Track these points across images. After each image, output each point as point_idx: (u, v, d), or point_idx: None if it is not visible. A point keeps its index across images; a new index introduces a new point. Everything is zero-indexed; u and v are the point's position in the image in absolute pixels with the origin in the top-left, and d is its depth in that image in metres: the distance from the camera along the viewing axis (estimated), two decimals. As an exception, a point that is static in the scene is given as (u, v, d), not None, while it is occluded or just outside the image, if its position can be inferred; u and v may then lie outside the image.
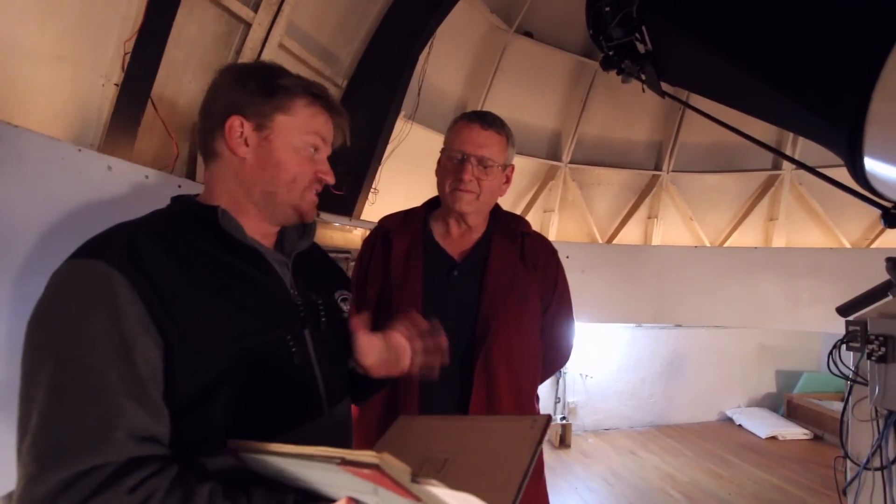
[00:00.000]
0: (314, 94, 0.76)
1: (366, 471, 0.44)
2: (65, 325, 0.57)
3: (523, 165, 3.79)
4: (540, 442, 0.66)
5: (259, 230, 0.76)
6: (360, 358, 0.85)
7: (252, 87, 0.73)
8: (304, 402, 0.74)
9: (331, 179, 0.80)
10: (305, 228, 0.84)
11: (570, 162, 3.89)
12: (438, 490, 0.45)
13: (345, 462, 0.45)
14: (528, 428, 0.69)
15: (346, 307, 0.88)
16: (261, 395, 0.67)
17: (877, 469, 1.28)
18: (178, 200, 0.76)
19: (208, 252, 0.69)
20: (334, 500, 0.55)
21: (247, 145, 0.73)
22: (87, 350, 0.56)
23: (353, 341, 0.85)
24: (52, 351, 0.56)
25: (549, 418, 0.70)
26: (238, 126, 0.72)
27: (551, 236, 3.98)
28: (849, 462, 1.38)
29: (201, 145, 0.77)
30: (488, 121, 1.14)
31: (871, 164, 0.86)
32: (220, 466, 0.62)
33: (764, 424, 4.56)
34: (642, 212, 4.19)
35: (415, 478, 0.44)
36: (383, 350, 0.85)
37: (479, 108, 3.27)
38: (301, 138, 0.75)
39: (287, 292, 0.76)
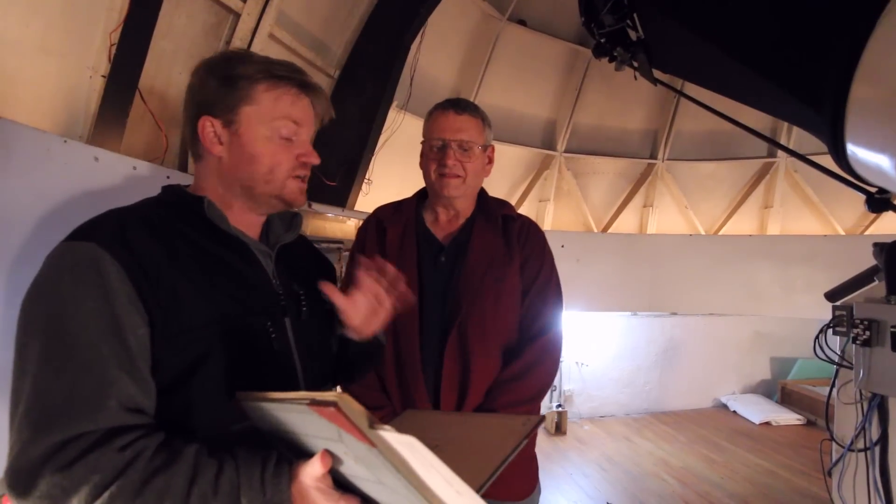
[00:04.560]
0: (277, 76, 0.74)
1: (328, 409, 0.47)
2: (58, 302, 0.59)
3: (518, 154, 3.78)
4: (527, 437, 0.69)
5: (244, 221, 0.77)
6: (349, 320, 0.84)
7: (213, 83, 0.73)
8: (281, 387, 0.75)
9: (314, 160, 0.78)
10: (292, 221, 0.85)
11: (566, 151, 3.88)
12: (388, 434, 0.48)
13: (313, 402, 0.49)
14: (520, 424, 0.73)
15: (325, 299, 0.87)
16: (239, 378, 0.69)
17: (860, 450, 1.30)
18: (168, 190, 0.77)
19: (194, 240, 0.71)
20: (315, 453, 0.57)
21: (221, 143, 0.73)
22: (80, 325, 0.58)
23: (335, 308, 0.84)
24: (45, 326, 0.59)
25: (541, 418, 0.75)
26: (209, 126, 0.72)
27: (547, 226, 3.98)
28: (834, 444, 1.41)
29: (189, 149, 0.79)
30: (461, 106, 1.18)
31: (853, 150, 0.86)
32: (205, 436, 0.64)
33: (758, 410, 4.61)
34: (637, 200, 4.19)
35: (372, 422, 0.47)
36: (364, 303, 0.85)
37: (472, 98, 3.26)
38: (270, 125, 0.73)
39: (269, 281, 0.77)
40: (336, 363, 0.93)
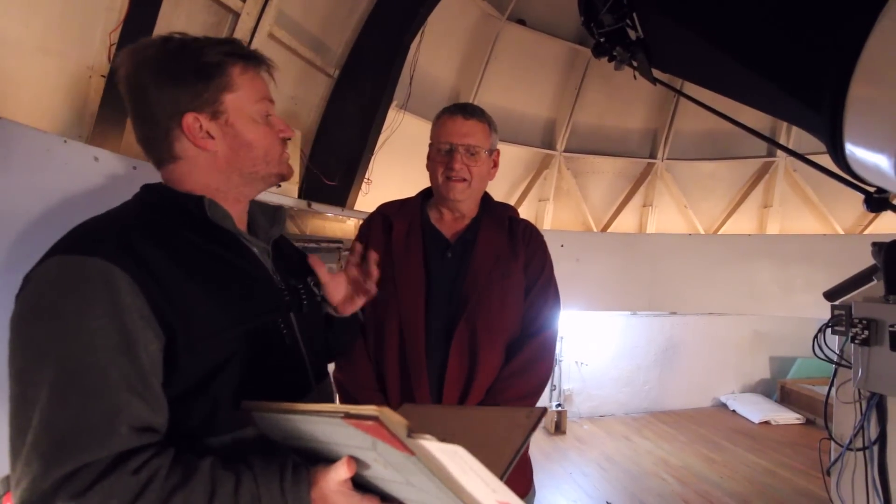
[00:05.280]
0: (241, 56, 0.72)
1: (367, 423, 0.47)
2: (62, 323, 0.56)
3: (517, 154, 3.78)
4: (533, 429, 0.70)
5: (235, 211, 0.75)
6: (331, 296, 0.93)
7: (187, 78, 0.68)
8: (295, 380, 0.77)
9: (291, 134, 0.79)
10: (275, 216, 0.85)
11: (565, 150, 3.88)
12: (430, 444, 0.47)
13: (348, 416, 0.48)
14: (524, 417, 0.73)
15: (318, 290, 0.90)
16: (258, 376, 0.70)
17: (859, 449, 1.30)
18: (151, 190, 0.73)
19: (193, 242, 0.69)
20: (335, 460, 0.57)
21: (212, 137, 0.70)
22: (87, 348, 0.56)
23: (321, 286, 0.92)
24: (50, 350, 0.55)
25: (544, 410, 0.75)
26: (195, 122, 0.69)
27: (546, 225, 3.99)
28: (833, 443, 1.41)
29: (154, 152, 0.72)
30: (469, 111, 1.20)
31: (852, 149, 0.86)
32: (219, 444, 0.64)
33: (757, 410, 4.61)
34: (637, 200, 4.19)
35: (411, 432, 0.47)
36: (346, 285, 0.95)
37: (471, 97, 3.26)
38: (254, 108, 0.73)
39: (271, 278, 0.78)
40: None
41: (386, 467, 0.54)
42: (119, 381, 0.56)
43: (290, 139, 0.80)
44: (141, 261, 0.61)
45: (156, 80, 0.68)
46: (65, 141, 1.07)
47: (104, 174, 1.13)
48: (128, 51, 0.70)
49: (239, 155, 0.72)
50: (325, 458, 0.59)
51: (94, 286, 0.57)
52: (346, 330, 1.03)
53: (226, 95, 0.70)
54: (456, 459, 0.49)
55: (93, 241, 0.61)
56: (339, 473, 0.56)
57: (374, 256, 0.97)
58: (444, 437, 0.69)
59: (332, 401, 0.89)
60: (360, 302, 0.97)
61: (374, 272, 0.96)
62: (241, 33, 1.93)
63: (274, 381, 0.73)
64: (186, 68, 0.68)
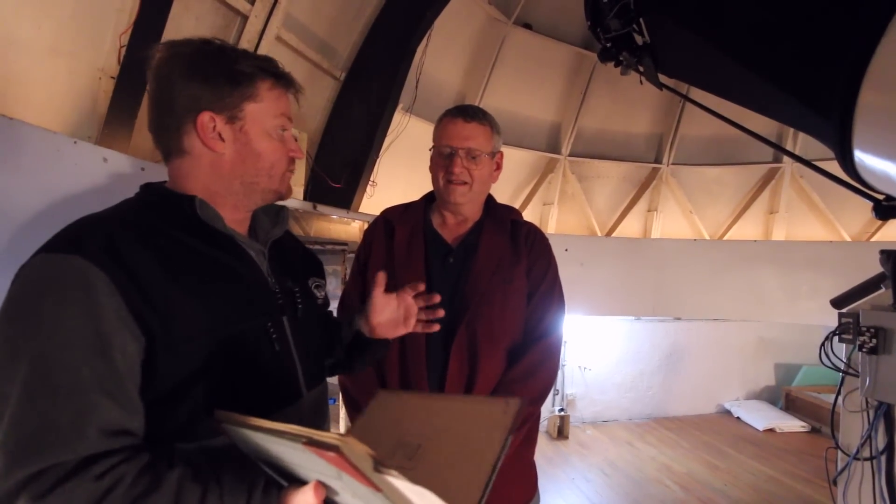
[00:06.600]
0: (274, 73, 0.74)
1: (329, 453, 0.44)
2: (38, 321, 0.56)
3: (522, 158, 3.78)
4: (511, 430, 0.66)
5: (234, 218, 0.75)
6: (373, 315, 0.92)
7: (214, 78, 0.69)
8: (285, 387, 0.76)
9: (301, 155, 0.80)
10: (278, 216, 0.84)
11: (570, 154, 3.88)
12: (398, 482, 0.45)
13: (310, 442, 0.45)
14: (501, 413, 0.69)
15: (319, 293, 0.89)
16: (243, 382, 0.68)
17: (866, 459, 1.29)
18: (149, 189, 0.74)
19: (185, 242, 0.68)
20: (307, 482, 0.55)
21: (222, 139, 0.71)
22: (60, 347, 0.55)
23: (368, 299, 0.92)
24: (25, 348, 0.55)
25: (520, 402, 0.71)
26: (210, 122, 0.70)
27: (550, 229, 3.98)
28: (840, 452, 1.40)
29: (163, 143, 0.73)
30: (470, 114, 1.19)
31: (861, 156, 0.86)
32: (193, 451, 0.63)
33: (762, 417, 4.57)
34: (642, 205, 4.18)
35: (377, 465, 0.44)
36: (394, 309, 0.94)
37: (477, 101, 3.27)
38: (272, 123, 0.74)
39: (265, 280, 0.76)
40: (345, 353, 0.96)
41: (354, 497, 0.52)
42: (91, 382, 0.56)
43: (299, 159, 0.80)
44: (122, 261, 0.60)
45: (184, 73, 0.69)
46: (74, 142, 1.08)
47: (113, 175, 1.14)
48: (166, 43, 0.72)
49: (245, 162, 0.73)
50: (297, 478, 0.57)
51: (71, 285, 0.57)
52: (371, 353, 0.99)
53: (248, 104, 0.71)
54: (423, 499, 0.47)
55: (77, 239, 0.61)
56: (307, 499, 0.55)
57: (436, 298, 0.98)
58: (420, 442, 0.65)
59: (323, 409, 0.85)
60: (401, 331, 0.95)
61: (440, 312, 0.98)
62: (248, 36, 1.95)
63: (261, 388, 0.71)
64: (217, 70, 0.70)
